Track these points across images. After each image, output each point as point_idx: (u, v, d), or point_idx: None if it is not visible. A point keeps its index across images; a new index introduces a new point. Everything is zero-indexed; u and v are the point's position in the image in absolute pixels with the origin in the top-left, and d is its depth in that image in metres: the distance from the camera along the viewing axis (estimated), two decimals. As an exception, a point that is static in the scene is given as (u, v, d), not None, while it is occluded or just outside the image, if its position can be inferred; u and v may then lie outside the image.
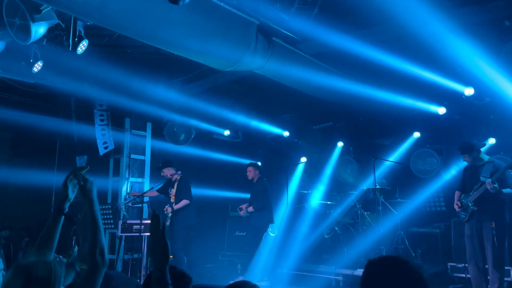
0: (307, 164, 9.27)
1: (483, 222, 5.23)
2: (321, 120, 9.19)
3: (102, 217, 7.83)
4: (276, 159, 10.19)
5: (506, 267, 5.80)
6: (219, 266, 8.46)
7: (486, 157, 5.43)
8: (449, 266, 6.70)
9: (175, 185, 6.87)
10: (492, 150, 6.83)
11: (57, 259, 2.05)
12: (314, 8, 5.12)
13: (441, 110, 7.07)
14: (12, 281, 1.84)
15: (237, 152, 9.52)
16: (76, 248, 3.28)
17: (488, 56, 5.22)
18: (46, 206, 8.38)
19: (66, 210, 2.31)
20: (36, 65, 5.35)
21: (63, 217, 2.29)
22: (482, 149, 5.50)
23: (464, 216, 5.47)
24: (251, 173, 7.29)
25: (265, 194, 7.06)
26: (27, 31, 4.38)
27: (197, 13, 4.46)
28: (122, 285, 4.39)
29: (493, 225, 5.11)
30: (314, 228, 7.77)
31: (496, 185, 4.97)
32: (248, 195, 7.57)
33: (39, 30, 4.46)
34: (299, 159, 9.24)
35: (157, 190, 7.11)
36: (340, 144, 8.95)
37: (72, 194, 2.30)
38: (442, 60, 5.55)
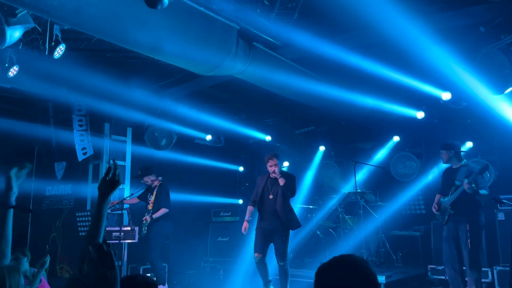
0: (289, 168, 9.27)
1: (459, 224, 5.32)
2: (303, 125, 9.25)
3: (81, 224, 7.73)
4: (258, 164, 10.19)
5: (484, 269, 5.91)
6: (201, 272, 8.39)
7: (462, 161, 5.53)
8: (429, 269, 6.78)
9: (154, 192, 6.78)
10: (469, 153, 6.97)
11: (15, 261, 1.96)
12: (294, 14, 5.17)
13: (420, 115, 7.19)
14: None
15: (219, 157, 9.49)
16: (48, 258, 3.21)
17: (464, 61, 5.33)
18: (23, 214, 8.18)
19: (13, 203, 2.21)
20: (11, 69, 5.22)
21: (11, 211, 2.19)
22: (461, 154, 5.60)
23: (441, 220, 5.55)
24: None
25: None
26: (2, 35, 4.30)
27: (176, 18, 4.43)
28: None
29: (468, 228, 5.21)
30: (296, 232, 7.77)
31: (473, 185, 5.05)
32: (230, 200, 7.45)
33: (14, 34, 4.38)
34: (282, 164, 9.24)
35: (138, 197, 7.01)
36: (322, 148, 9.01)
37: (16, 186, 2.22)
38: (420, 65, 5.65)
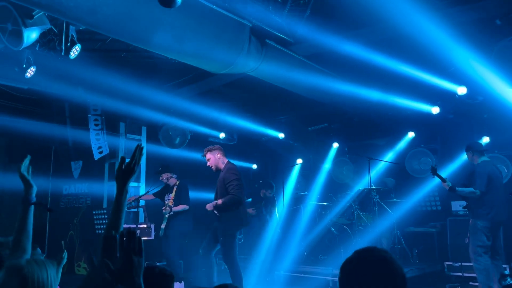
0: (303, 165, 9.28)
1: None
2: (316, 122, 9.22)
3: (98, 221, 7.84)
4: (271, 161, 10.21)
5: (503, 265, 5.87)
6: (216, 269, 8.42)
7: (479, 159, 5.62)
8: (445, 265, 6.72)
9: (174, 190, 6.82)
10: (486, 148, 6.86)
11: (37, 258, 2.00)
12: (306, 10, 5.16)
13: (435, 110, 7.11)
14: (7, 282, 1.82)
15: (232, 155, 9.49)
16: (65, 254, 3.26)
17: (480, 55, 5.25)
18: (42, 212, 8.33)
19: (34, 199, 2.25)
20: (29, 70, 5.33)
21: (32, 207, 2.23)
22: (482, 152, 5.69)
23: None
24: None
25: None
26: (19, 37, 4.37)
27: (189, 16, 4.46)
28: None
29: (470, 222, 5.50)
30: (311, 230, 7.77)
31: (448, 183, 5.45)
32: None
33: (31, 35, 4.46)
34: (295, 161, 9.24)
35: (153, 194, 7.08)
36: (335, 145, 8.98)
37: (32, 181, 2.26)
38: (435, 60, 5.58)
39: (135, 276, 1.52)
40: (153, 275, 1.82)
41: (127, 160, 1.96)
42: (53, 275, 1.92)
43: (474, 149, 5.65)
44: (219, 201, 5.31)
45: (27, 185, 2.26)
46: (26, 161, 2.29)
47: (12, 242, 2.14)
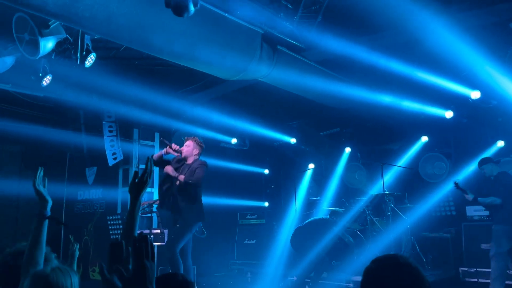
0: (315, 170, 9.26)
1: None
2: (328, 126, 9.20)
3: (113, 227, 7.92)
4: (283, 166, 10.20)
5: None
6: (229, 274, 8.45)
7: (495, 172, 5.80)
8: (460, 271, 6.63)
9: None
10: (501, 152, 6.80)
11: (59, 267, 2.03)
12: (318, 16, 5.18)
13: (448, 114, 7.05)
14: None
15: (244, 160, 9.54)
16: (77, 246, 3.28)
17: (493, 59, 5.22)
18: (57, 225, 8.44)
19: (49, 213, 2.31)
20: (45, 79, 5.44)
21: (46, 221, 2.28)
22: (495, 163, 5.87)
23: None
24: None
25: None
26: (36, 46, 4.48)
27: (202, 25, 4.52)
28: None
29: (493, 227, 5.70)
30: (323, 235, 7.73)
31: (470, 195, 5.79)
32: (256, 203, 7.44)
33: (47, 44, 4.56)
34: (307, 166, 9.23)
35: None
36: (347, 150, 8.93)
37: (47, 195, 2.32)
38: (448, 64, 5.55)
39: (148, 283, 1.50)
40: (176, 282, 1.84)
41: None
42: (76, 283, 1.96)
43: (494, 161, 5.83)
44: (181, 177, 5.30)
45: (42, 199, 2.32)
46: (40, 174, 2.34)
47: (25, 256, 2.18)
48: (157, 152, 5.83)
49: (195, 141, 5.59)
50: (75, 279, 1.97)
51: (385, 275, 1.46)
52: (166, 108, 7.20)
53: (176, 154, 5.44)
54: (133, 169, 8.14)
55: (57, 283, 1.88)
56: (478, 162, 5.93)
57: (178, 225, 5.29)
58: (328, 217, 7.51)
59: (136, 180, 2.02)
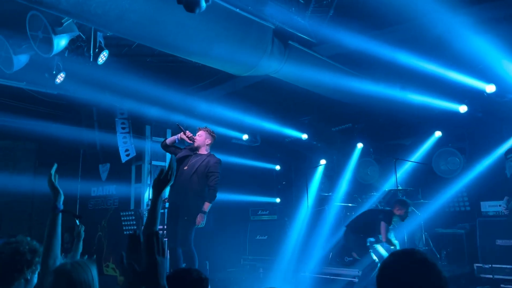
0: (326, 166, 9.22)
1: None
2: (340, 122, 9.15)
3: (126, 223, 8.00)
4: (295, 162, 10.18)
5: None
6: (241, 270, 8.48)
7: None
8: (475, 267, 6.55)
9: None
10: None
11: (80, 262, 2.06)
12: (330, 10, 5.13)
13: (463, 108, 6.95)
14: (56, 286, 1.89)
15: (256, 156, 9.54)
16: (82, 227, 3.32)
17: (509, 52, 5.12)
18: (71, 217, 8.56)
19: (62, 207, 2.37)
20: (58, 76, 5.50)
21: (60, 215, 2.34)
22: None
23: None
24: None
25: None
26: (49, 44, 4.53)
27: (213, 21, 4.51)
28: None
29: None
30: (336, 231, 7.71)
31: None
32: (267, 199, 7.37)
33: (61, 42, 4.60)
34: (319, 162, 9.19)
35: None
36: (360, 145, 8.88)
37: (60, 188, 2.38)
38: (462, 58, 5.48)
39: (160, 278, 1.53)
40: (191, 278, 1.84)
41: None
42: (95, 275, 2.00)
43: None
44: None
45: (55, 192, 2.38)
46: (54, 169, 2.40)
47: (43, 250, 2.23)
48: (169, 137, 5.82)
49: (207, 131, 5.62)
50: (94, 271, 2.00)
51: (402, 270, 1.46)
52: (177, 105, 7.22)
53: (189, 141, 5.47)
54: (145, 165, 8.20)
55: (79, 279, 1.91)
56: (505, 152, 5.80)
57: (185, 218, 5.30)
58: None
59: (161, 177, 2.07)
